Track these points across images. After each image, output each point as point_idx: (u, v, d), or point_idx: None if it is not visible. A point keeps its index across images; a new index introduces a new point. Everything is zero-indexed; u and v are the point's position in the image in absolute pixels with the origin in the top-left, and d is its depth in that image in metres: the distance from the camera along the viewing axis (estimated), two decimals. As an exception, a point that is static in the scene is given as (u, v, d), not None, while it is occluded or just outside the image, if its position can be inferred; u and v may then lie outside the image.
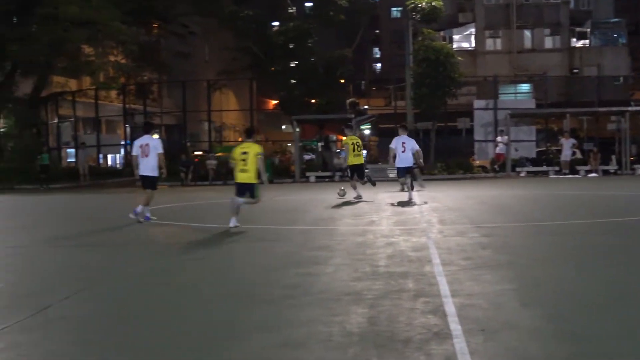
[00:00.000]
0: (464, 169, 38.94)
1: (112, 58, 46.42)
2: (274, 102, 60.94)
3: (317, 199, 22.72)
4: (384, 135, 49.15)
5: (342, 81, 49.61)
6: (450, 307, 7.31)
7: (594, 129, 43.60)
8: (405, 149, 21.75)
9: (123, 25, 42.22)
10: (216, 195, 26.25)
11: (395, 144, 22.05)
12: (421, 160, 23.48)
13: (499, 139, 39.57)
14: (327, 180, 36.68)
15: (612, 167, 38.22)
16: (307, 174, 38.75)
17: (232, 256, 11.69)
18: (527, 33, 61.70)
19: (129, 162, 49.38)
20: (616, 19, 63.95)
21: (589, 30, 62.59)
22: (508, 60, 60.49)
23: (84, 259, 11.69)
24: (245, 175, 15.18)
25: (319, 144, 43.54)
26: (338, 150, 39.43)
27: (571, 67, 61.79)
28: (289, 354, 5.99)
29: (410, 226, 14.66)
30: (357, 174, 22.62)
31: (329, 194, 24.98)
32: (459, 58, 42.51)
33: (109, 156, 55.06)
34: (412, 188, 21.98)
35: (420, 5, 40.08)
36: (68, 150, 52.45)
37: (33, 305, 7.89)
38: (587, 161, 38.54)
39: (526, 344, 6.07)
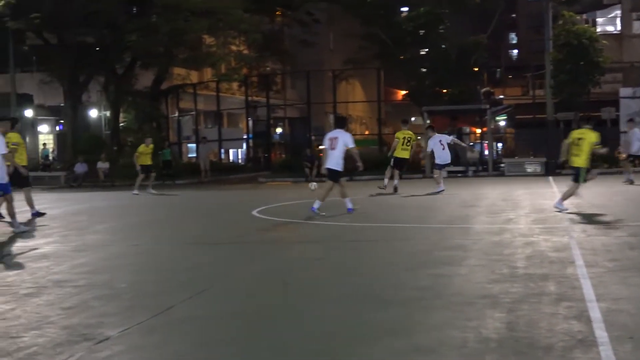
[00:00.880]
0: (609, 162, 37.84)
1: (233, 48, 47.24)
2: (403, 92, 60.81)
3: (449, 195, 22.54)
4: (521, 126, 48.36)
5: (476, 69, 48.92)
6: (595, 313, 7.11)
7: None
8: (444, 147, 23.90)
9: (245, 14, 42.84)
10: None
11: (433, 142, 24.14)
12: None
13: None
14: (459, 175, 36.28)
15: None
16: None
17: (357, 255, 11.70)
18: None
19: (250, 158, 50.31)
20: None
21: None
22: (658, 44, 58.56)
23: (205, 257, 11.93)
24: (578, 159, 16.59)
25: (452, 136, 43.14)
26: (472, 144, 39.04)
27: None
28: (420, 360, 5.95)
29: (550, 225, 14.36)
30: (399, 167, 24.67)
31: (463, 190, 24.78)
32: (603, 42, 41.32)
33: (231, 151, 56.08)
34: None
35: (561, -14, 39.30)
36: (189, 145, 53.68)
37: (154, 306, 8.08)
38: None
39: (682, 354, 5.85)
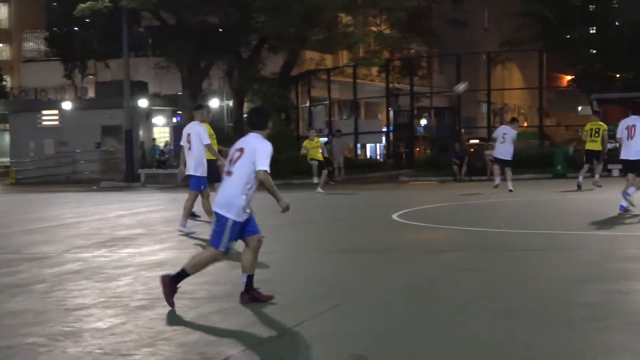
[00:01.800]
0: None
1: (374, 28, 47.19)
2: (568, 78, 59.68)
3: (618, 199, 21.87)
4: None
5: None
6: None
7: None
8: (505, 140, 24.29)
9: (388, -12, 42.76)
10: (496, 192, 25.96)
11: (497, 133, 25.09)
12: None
13: None
14: (622, 175, 35.16)
15: None
16: (609, 166, 37.52)
17: (513, 267, 11.51)
18: None
19: (391, 153, 50.15)
20: None
21: None
22: None
23: (343, 266, 12.01)
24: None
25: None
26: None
27: None
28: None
29: None
30: (588, 160, 25.12)
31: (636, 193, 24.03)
32: None
33: (368, 146, 56.02)
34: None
35: None
36: (321, 139, 53.88)
37: (286, 320, 8.14)
38: None
39: None
